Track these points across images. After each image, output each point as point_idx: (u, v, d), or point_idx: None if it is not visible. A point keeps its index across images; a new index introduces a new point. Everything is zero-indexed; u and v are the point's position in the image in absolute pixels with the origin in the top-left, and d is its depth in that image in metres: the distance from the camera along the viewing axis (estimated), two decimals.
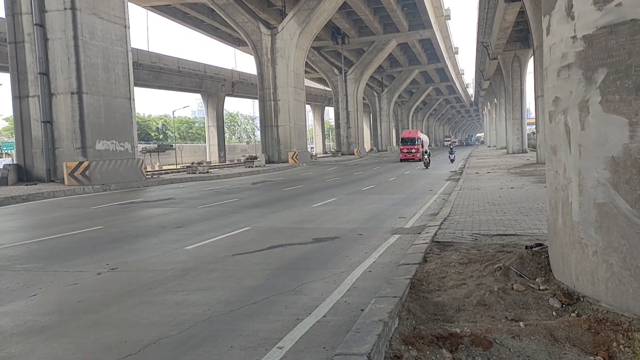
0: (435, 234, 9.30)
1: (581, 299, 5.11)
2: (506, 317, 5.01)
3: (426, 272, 6.65)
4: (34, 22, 23.60)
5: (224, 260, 8.28)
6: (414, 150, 48.62)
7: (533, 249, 6.59)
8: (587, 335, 4.50)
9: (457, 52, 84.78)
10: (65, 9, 23.44)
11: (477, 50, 64.16)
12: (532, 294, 5.46)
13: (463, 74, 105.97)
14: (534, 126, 40.32)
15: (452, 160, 41.95)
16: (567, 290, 5.33)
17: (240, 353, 4.49)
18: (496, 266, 6.30)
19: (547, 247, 6.37)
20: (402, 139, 51.61)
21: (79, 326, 5.33)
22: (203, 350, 4.59)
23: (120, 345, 4.74)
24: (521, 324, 4.75)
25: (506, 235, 8.99)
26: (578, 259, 5.18)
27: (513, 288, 5.58)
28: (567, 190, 5.31)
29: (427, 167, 35.26)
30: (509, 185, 18.82)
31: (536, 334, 4.52)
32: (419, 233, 9.86)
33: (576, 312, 4.96)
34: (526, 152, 51.09)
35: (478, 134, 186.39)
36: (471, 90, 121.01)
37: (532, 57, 35.50)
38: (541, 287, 5.59)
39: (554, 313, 5.05)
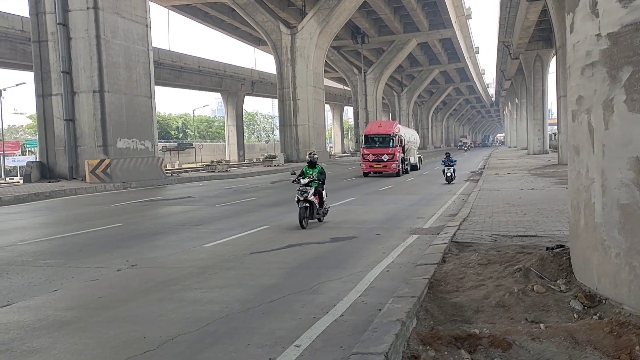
0: (454, 235, 9.22)
1: (603, 302, 5.02)
2: (526, 319, 4.94)
3: (444, 273, 6.59)
4: (58, 22, 23.96)
5: (241, 258, 8.31)
6: (385, 157, 28.98)
7: (554, 250, 6.50)
8: (608, 339, 4.41)
9: (477, 52, 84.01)
10: (88, 8, 23.76)
11: (498, 50, 63.55)
12: (553, 295, 5.38)
13: (484, 73, 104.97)
14: (556, 127, 39.81)
15: (449, 179, 23.40)
16: (589, 292, 5.24)
17: (257, 351, 4.50)
18: (516, 267, 6.23)
19: (568, 248, 6.27)
20: (365, 136, 31.34)
21: (98, 321, 5.39)
22: (220, 347, 4.61)
23: (139, 341, 4.78)
24: (541, 325, 4.68)
25: (526, 236, 8.88)
26: (600, 261, 5.09)
27: (533, 289, 5.50)
28: (589, 191, 5.22)
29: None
30: (529, 186, 18.60)
31: (557, 337, 4.45)
32: (438, 233, 9.79)
33: (598, 314, 4.88)
34: (547, 153, 50.45)
35: (498, 135, 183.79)
36: (492, 90, 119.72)
37: (555, 57, 35.04)
38: (562, 289, 5.51)
39: (575, 315, 4.97)
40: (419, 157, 37.21)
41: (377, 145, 29.93)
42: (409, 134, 35.49)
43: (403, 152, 31.30)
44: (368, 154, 29.71)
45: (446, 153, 24.55)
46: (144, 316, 5.52)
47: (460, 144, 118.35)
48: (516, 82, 70.75)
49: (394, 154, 29.39)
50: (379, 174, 29.68)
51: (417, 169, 34.99)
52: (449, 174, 23.44)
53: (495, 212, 12.19)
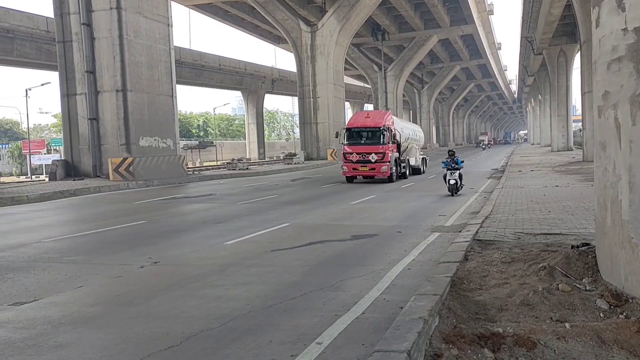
0: (477, 232, 9.13)
1: (630, 301, 4.93)
2: (551, 318, 4.88)
3: (467, 271, 6.53)
4: (82, 22, 24.28)
5: (263, 256, 8.34)
6: (374, 157, 23.20)
7: (580, 248, 6.39)
8: (636, 338, 4.33)
9: (500, 48, 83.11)
10: (111, 8, 24.04)
11: (521, 46, 62.72)
12: (579, 294, 5.29)
13: (506, 70, 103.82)
14: (580, 123, 39.16)
15: (452, 189, 16.95)
16: (616, 291, 5.15)
17: (279, 347, 4.51)
18: (540, 265, 6.14)
19: (594, 246, 6.17)
20: (347, 130, 24.82)
21: (123, 317, 5.45)
22: (243, 343, 4.63)
23: (163, 336, 4.83)
24: (567, 325, 4.61)
25: (551, 234, 8.75)
26: (627, 259, 5.00)
27: (558, 288, 5.42)
28: (616, 187, 5.13)
29: None
30: (553, 183, 18.34)
31: (582, 336, 4.38)
32: (460, 231, 9.70)
33: (625, 313, 4.79)
34: (572, 150, 49.70)
35: (521, 132, 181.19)
36: (514, 87, 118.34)
37: (579, 52, 34.46)
38: (588, 288, 5.42)
39: (601, 314, 4.89)
40: (422, 158, 30.36)
41: (362, 142, 23.90)
42: (408, 129, 29.10)
43: (398, 150, 25.10)
44: (351, 153, 23.63)
45: (449, 151, 18.03)
46: (167, 312, 5.57)
47: (478, 141, 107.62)
48: (539, 78, 69.74)
49: (384, 153, 23.21)
50: (370, 179, 24.31)
51: (420, 173, 28.65)
52: (452, 181, 16.82)
53: (519, 209, 12.04)
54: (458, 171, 17.07)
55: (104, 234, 10.87)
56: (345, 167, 23.89)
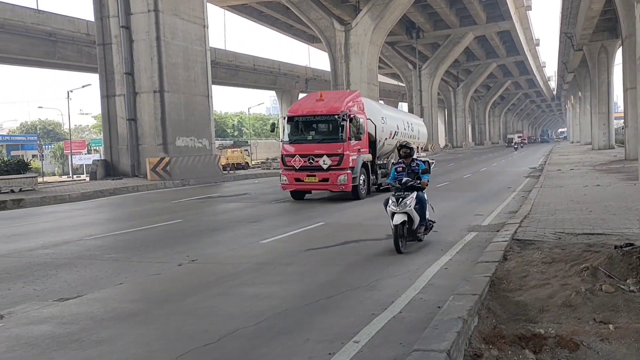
0: (516, 232, 8.95)
1: None
2: (594, 319, 4.75)
3: (506, 271, 6.42)
4: (121, 25, 24.82)
5: (298, 254, 8.37)
6: (325, 162, 15.30)
7: (623, 248, 6.21)
8: None
9: (538, 44, 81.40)
10: (149, 11, 24.50)
11: (560, 42, 61.27)
12: (623, 295, 5.14)
13: (544, 66, 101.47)
14: (622, 120, 38.04)
15: (399, 237, 7.98)
16: None
17: (316, 346, 4.51)
18: (583, 266, 5.99)
19: (638, 246, 5.99)
20: (288, 119, 16.31)
21: (162, 314, 5.55)
22: (279, 342, 4.65)
23: (201, 334, 4.89)
24: (611, 326, 4.49)
25: (593, 234, 8.52)
26: None
27: (601, 289, 5.28)
28: None
29: None
30: (594, 182, 17.84)
31: (627, 338, 4.26)
32: (498, 231, 9.52)
33: None
34: (613, 148, 48.26)
35: (559, 129, 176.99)
36: (553, 84, 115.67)
37: (621, 48, 33.48)
38: (632, 289, 5.27)
39: None
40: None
41: (310, 138, 16.11)
42: (395, 120, 20.84)
43: (372, 151, 17.38)
44: (293, 156, 15.95)
45: (400, 147, 9.10)
46: (205, 310, 5.64)
47: (508, 140, 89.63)
48: (579, 75, 67.98)
49: (342, 155, 15.40)
50: (339, 193, 16.60)
51: None
52: (398, 218, 8.01)
53: (559, 209, 11.76)
54: (415, 193, 8.38)
55: (143, 232, 11.09)
56: (284, 178, 16.23)
